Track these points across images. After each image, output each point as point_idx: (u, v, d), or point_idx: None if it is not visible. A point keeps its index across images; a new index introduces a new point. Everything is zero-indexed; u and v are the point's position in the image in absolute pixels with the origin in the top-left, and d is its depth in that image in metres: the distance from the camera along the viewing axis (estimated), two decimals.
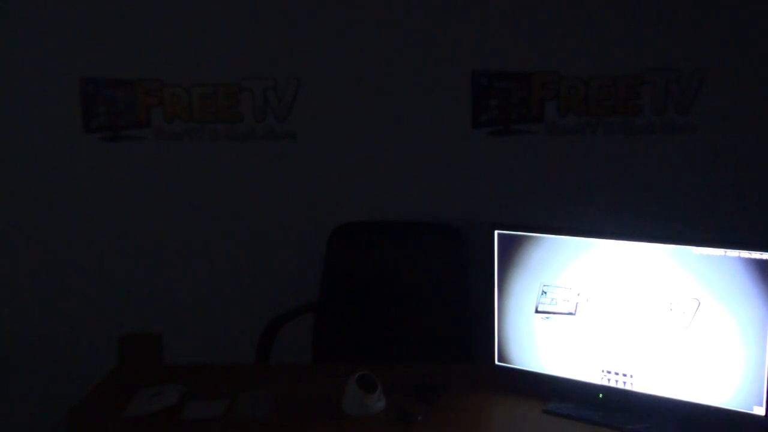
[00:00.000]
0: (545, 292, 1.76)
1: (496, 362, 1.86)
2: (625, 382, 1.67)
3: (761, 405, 1.50)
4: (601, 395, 1.71)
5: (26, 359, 2.75)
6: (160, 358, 1.93)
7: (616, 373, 1.68)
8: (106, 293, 2.70)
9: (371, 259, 2.47)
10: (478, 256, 2.29)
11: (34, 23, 2.56)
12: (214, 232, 2.66)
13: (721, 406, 1.55)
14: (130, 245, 2.67)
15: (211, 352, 2.68)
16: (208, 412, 1.71)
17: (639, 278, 1.63)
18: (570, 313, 1.73)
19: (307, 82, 2.55)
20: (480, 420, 1.70)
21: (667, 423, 1.60)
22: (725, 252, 1.53)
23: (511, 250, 1.80)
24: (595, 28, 2.45)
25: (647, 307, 1.63)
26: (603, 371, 1.70)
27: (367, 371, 1.72)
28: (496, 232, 1.81)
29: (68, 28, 2.56)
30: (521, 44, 2.48)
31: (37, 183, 2.66)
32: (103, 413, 1.73)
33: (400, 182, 2.60)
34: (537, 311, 1.78)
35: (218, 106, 2.58)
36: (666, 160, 2.50)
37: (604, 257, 1.67)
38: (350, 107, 2.56)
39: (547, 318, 1.76)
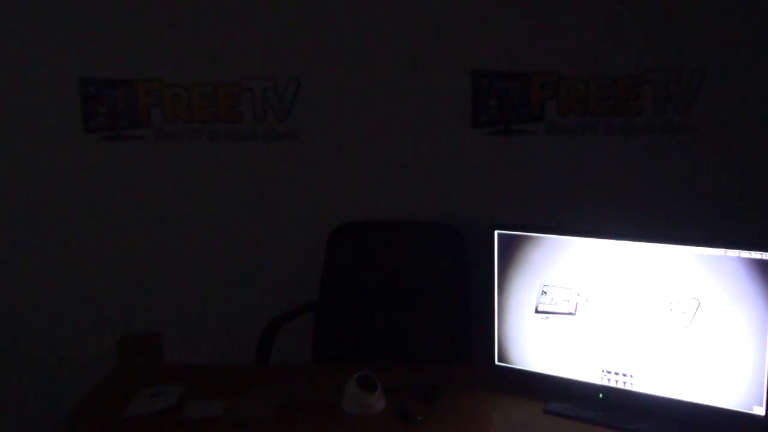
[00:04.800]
0: (545, 292, 1.76)
1: (496, 362, 1.86)
2: (625, 382, 1.67)
3: (761, 405, 1.51)
4: (601, 395, 1.71)
5: (26, 359, 2.75)
6: (160, 358, 1.93)
7: (616, 373, 1.68)
8: (106, 293, 2.70)
9: (371, 259, 2.47)
10: (478, 256, 2.29)
11: (33, 23, 2.56)
12: (214, 232, 2.66)
13: (721, 406, 1.55)
14: (130, 245, 2.67)
15: (211, 352, 2.68)
16: (208, 412, 1.71)
17: (639, 278, 1.63)
18: (570, 313, 1.73)
19: (307, 82, 2.55)
20: (480, 420, 1.70)
21: (667, 423, 1.60)
22: (725, 252, 1.53)
23: (511, 250, 1.80)
24: (595, 28, 2.45)
25: (647, 307, 1.63)
26: (603, 371, 1.70)
27: (367, 371, 1.72)
28: (496, 232, 1.81)
29: (68, 28, 2.56)
30: (521, 44, 2.48)
31: (37, 183, 2.66)
32: (103, 413, 1.73)
33: (400, 182, 2.60)
34: (537, 311, 1.78)
35: (218, 106, 2.58)
36: (666, 160, 2.50)
37: (604, 257, 1.67)
38: (350, 107, 2.56)
39: (546, 318, 1.76)
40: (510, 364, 1.84)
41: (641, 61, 2.46)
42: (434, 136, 2.55)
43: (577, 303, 1.72)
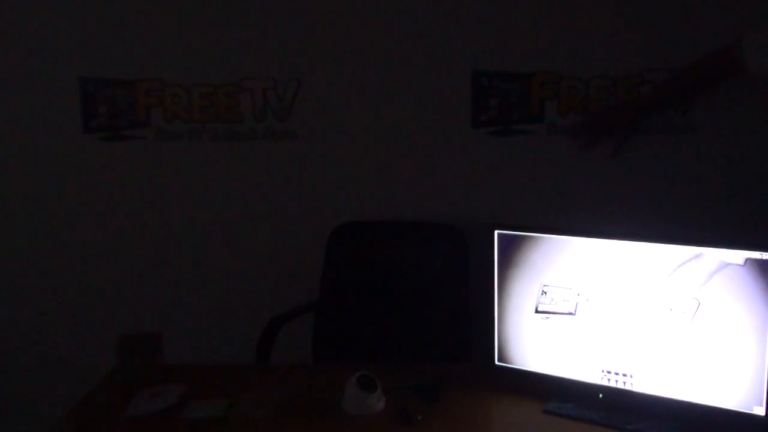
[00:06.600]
0: (545, 292, 1.76)
1: (496, 362, 1.86)
2: (625, 382, 1.67)
3: (761, 405, 1.51)
4: (601, 395, 1.71)
5: (26, 359, 2.74)
6: (160, 358, 1.93)
7: (616, 373, 1.69)
8: (105, 293, 2.70)
9: (371, 259, 2.47)
10: (479, 256, 2.28)
11: (33, 23, 2.56)
12: (213, 232, 2.66)
13: (721, 406, 1.55)
14: (130, 245, 2.67)
15: (211, 352, 2.68)
16: (208, 412, 1.71)
17: (639, 278, 1.63)
18: (570, 313, 1.73)
19: (307, 82, 2.55)
20: (480, 420, 1.70)
21: (667, 423, 1.60)
22: (725, 252, 1.53)
23: (511, 250, 1.80)
24: (595, 28, 2.45)
25: (647, 307, 1.63)
26: (603, 371, 1.70)
27: (367, 371, 1.72)
28: (496, 232, 1.82)
29: (68, 28, 2.55)
30: (521, 44, 2.48)
31: (37, 183, 2.66)
32: (103, 413, 1.73)
33: (400, 182, 2.59)
34: (537, 311, 1.78)
35: (218, 106, 2.58)
36: (666, 159, 2.50)
37: (604, 257, 1.67)
38: (350, 107, 2.56)
39: (546, 318, 1.76)
40: (510, 364, 1.84)
41: (641, 61, 2.45)
42: (434, 136, 2.55)
43: (577, 303, 1.72)
